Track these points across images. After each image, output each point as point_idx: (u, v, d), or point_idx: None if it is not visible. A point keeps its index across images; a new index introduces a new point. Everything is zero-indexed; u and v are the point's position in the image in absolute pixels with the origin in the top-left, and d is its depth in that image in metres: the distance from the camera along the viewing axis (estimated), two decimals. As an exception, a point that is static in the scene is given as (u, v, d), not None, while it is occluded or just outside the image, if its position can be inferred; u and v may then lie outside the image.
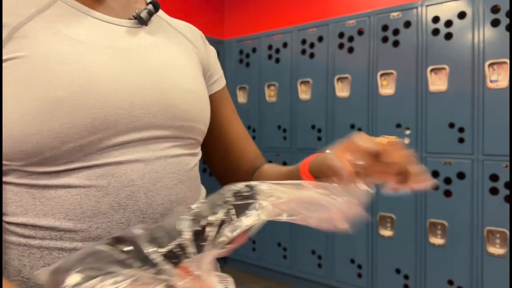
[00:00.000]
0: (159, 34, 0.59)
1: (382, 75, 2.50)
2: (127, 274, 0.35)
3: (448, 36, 2.26)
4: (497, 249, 2.11)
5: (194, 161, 0.59)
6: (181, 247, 0.37)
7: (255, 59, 3.13)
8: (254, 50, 3.13)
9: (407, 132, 2.40)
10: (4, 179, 0.48)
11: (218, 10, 3.71)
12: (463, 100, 2.21)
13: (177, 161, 0.54)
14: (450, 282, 2.25)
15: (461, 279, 2.22)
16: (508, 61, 2.07)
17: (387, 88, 2.49)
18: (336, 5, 3.10)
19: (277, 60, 3.00)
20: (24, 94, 0.44)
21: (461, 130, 2.21)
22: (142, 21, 0.57)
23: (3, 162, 0.46)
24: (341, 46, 2.67)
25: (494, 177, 2.11)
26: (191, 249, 0.37)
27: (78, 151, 0.46)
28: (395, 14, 2.44)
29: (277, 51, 3.00)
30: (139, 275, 0.35)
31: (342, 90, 2.69)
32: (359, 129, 2.59)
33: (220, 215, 0.39)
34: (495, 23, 2.12)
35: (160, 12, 0.64)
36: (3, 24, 0.46)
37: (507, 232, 2.07)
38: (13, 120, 0.44)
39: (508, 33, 2.07)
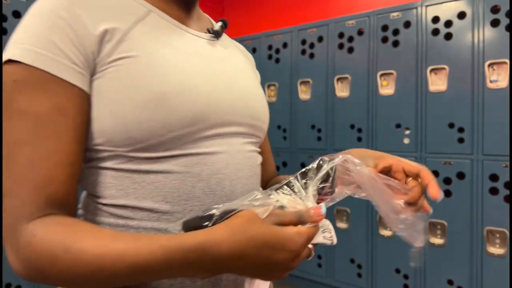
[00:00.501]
0: (229, 47, 0.69)
1: (382, 75, 2.50)
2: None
3: (448, 36, 2.26)
4: (496, 249, 2.12)
5: (260, 158, 0.66)
6: (290, 185, 0.51)
7: (255, 59, 3.10)
8: (254, 50, 3.14)
9: (407, 132, 2.41)
10: (104, 164, 0.53)
11: (218, 10, 3.71)
12: (463, 100, 2.21)
13: (251, 155, 0.62)
14: (450, 282, 2.25)
15: (460, 279, 2.22)
16: (508, 61, 2.07)
17: (387, 88, 2.49)
18: (336, 5, 3.11)
19: (277, 60, 3.01)
20: (136, 88, 0.51)
21: (460, 130, 2.22)
22: (217, 35, 0.65)
23: (107, 148, 0.52)
24: (341, 46, 2.67)
25: (493, 177, 2.12)
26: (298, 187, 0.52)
27: (178, 139, 0.52)
28: (395, 14, 2.45)
29: (277, 51, 3.00)
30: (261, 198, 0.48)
31: (342, 90, 2.69)
32: (359, 129, 2.59)
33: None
34: (495, 23, 2.12)
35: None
36: (114, 28, 0.52)
37: (507, 232, 2.07)
38: (125, 110, 0.50)
39: (507, 33, 2.07)
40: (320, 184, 0.53)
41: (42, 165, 0.47)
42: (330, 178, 0.55)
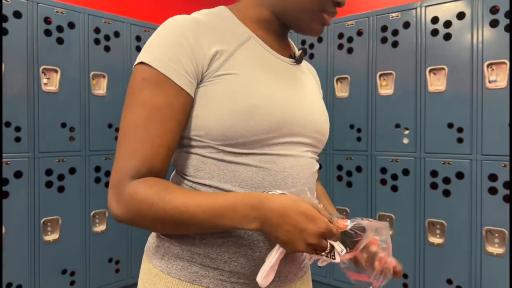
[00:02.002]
0: (304, 72, 0.83)
1: (381, 75, 2.51)
2: None
3: (447, 36, 2.27)
4: (496, 249, 2.12)
5: (317, 166, 0.80)
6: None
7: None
8: (254, 50, 3.14)
9: (406, 132, 2.41)
10: (198, 151, 0.68)
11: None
12: (462, 101, 2.22)
13: (311, 162, 0.75)
14: (449, 282, 2.26)
15: (460, 278, 2.23)
16: (507, 61, 2.08)
17: (386, 88, 2.50)
18: (335, 6, 3.11)
19: (277, 61, 3.01)
20: (234, 99, 0.65)
21: (460, 130, 2.22)
22: (298, 62, 0.80)
23: (204, 140, 0.67)
24: (340, 46, 2.68)
25: (492, 177, 2.12)
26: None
27: (257, 142, 0.66)
28: (394, 14, 2.46)
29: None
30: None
31: (341, 91, 2.70)
32: (359, 129, 2.60)
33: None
34: (494, 23, 2.13)
35: None
36: (223, 50, 0.67)
37: (506, 231, 2.08)
38: (224, 115, 0.64)
39: (507, 34, 2.08)
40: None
41: (148, 143, 0.62)
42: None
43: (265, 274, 0.60)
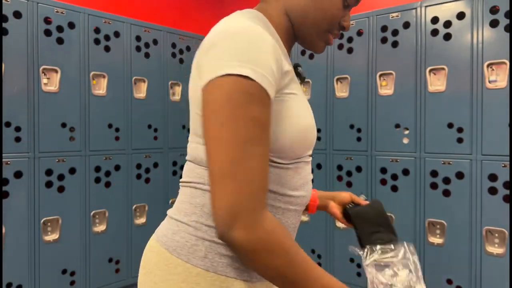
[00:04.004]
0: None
1: (381, 75, 2.51)
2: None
3: (447, 36, 2.27)
4: (495, 249, 2.12)
5: None
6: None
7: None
8: (254, 50, 3.14)
9: (406, 132, 2.41)
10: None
11: (219, 11, 3.71)
12: (462, 101, 2.22)
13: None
14: (449, 281, 2.26)
15: (460, 278, 2.23)
16: (507, 61, 2.08)
17: (386, 88, 2.50)
18: (335, 6, 3.11)
19: (277, 61, 3.01)
20: (299, 117, 0.71)
21: (460, 130, 2.22)
22: (303, 80, 0.85)
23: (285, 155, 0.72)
24: (340, 46, 2.68)
25: (492, 177, 2.12)
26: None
27: (298, 156, 0.74)
28: (394, 15, 2.46)
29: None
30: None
31: (341, 91, 2.70)
32: (359, 129, 2.60)
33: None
34: (494, 23, 2.13)
35: None
36: (290, 70, 0.72)
37: (506, 231, 2.08)
38: (291, 131, 0.70)
39: (507, 34, 2.08)
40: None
41: (267, 162, 0.64)
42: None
43: None
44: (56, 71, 2.37)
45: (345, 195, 1.02)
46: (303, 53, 2.86)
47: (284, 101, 0.69)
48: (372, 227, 0.94)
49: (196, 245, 0.71)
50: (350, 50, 2.64)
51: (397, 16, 2.45)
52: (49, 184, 2.35)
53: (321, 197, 1.04)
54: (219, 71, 0.62)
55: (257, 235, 0.60)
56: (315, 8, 0.76)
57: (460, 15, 2.23)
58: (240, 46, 0.63)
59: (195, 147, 0.74)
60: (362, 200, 1.00)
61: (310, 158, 0.82)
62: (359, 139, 2.60)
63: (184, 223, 0.73)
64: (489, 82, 2.14)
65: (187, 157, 0.78)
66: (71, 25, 2.43)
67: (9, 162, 2.19)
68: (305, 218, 2.85)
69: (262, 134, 0.63)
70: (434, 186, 2.31)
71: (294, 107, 0.70)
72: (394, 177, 2.45)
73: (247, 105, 0.62)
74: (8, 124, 2.20)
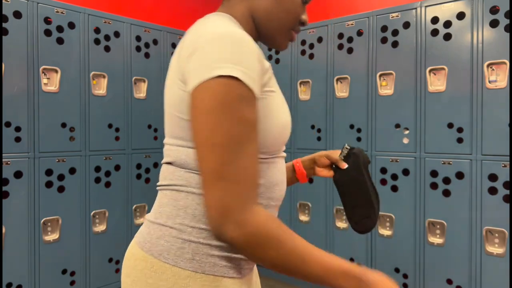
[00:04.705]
0: None
1: (381, 75, 2.51)
2: None
3: (447, 36, 2.27)
4: (495, 249, 2.12)
5: None
6: None
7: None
8: (254, 50, 3.14)
9: (406, 132, 2.41)
10: None
11: (218, 10, 3.72)
12: (462, 101, 2.22)
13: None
14: (449, 281, 2.26)
15: (460, 278, 2.23)
16: (507, 61, 2.08)
17: (386, 88, 2.50)
18: (335, 6, 3.11)
19: (277, 61, 3.02)
20: (279, 114, 0.73)
21: (460, 130, 2.22)
22: None
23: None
24: (340, 46, 2.68)
25: (492, 177, 2.12)
26: None
27: (274, 152, 0.76)
28: (394, 15, 2.46)
29: (277, 51, 3.01)
30: None
31: (341, 91, 2.70)
32: (359, 129, 2.60)
33: None
34: (494, 23, 2.13)
35: None
36: (269, 66, 0.73)
37: (506, 231, 2.08)
38: (271, 129, 0.72)
39: (507, 34, 2.08)
40: None
41: (257, 159, 0.66)
42: None
43: None
44: (56, 71, 2.37)
45: (324, 161, 1.01)
46: (303, 53, 2.86)
47: (265, 99, 0.71)
48: (353, 200, 0.96)
49: (183, 247, 0.70)
50: (350, 50, 2.64)
51: (397, 16, 2.45)
52: (49, 184, 2.35)
53: (306, 167, 1.05)
54: (207, 74, 0.63)
55: (248, 230, 0.62)
56: (278, 9, 0.78)
57: (460, 15, 2.23)
58: (226, 49, 0.64)
59: (175, 149, 0.74)
60: (340, 161, 0.98)
61: (285, 154, 0.83)
62: (359, 139, 2.60)
63: (168, 226, 0.72)
64: (489, 82, 2.14)
65: (165, 160, 0.77)
66: (71, 25, 2.43)
67: (9, 162, 2.19)
68: (305, 218, 2.85)
69: (252, 134, 0.65)
70: (434, 186, 2.31)
71: (273, 104, 0.72)
72: (394, 177, 2.45)
73: (238, 106, 0.63)
74: (8, 124, 2.20)
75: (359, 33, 2.60)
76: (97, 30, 2.56)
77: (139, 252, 0.74)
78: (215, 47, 0.64)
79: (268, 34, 0.82)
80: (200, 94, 0.63)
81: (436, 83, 2.32)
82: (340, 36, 2.68)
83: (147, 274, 0.72)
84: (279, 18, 0.79)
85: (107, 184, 2.61)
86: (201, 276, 0.70)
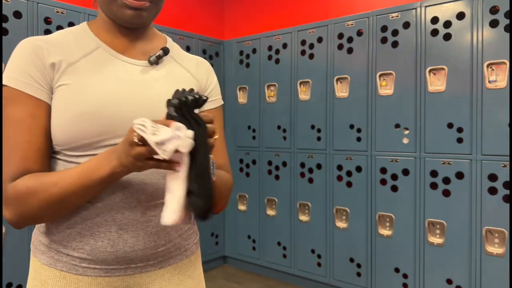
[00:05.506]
0: (164, 71, 0.85)
1: (381, 75, 2.51)
2: None
3: (447, 36, 2.27)
4: (495, 249, 2.13)
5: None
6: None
7: (255, 60, 3.14)
8: (254, 51, 3.15)
9: (406, 132, 2.42)
10: (56, 156, 0.78)
11: (218, 11, 3.71)
12: (461, 101, 2.22)
13: None
14: (449, 281, 2.26)
15: (459, 278, 2.23)
16: (507, 61, 2.08)
17: (386, 88, 2.50)
18: (335, 6, 3.11)
19: (277, 61, 3.02)
20: (68, 108, 0.74)
21: (459, 130, 2.22)
22: (151, 63, 0.83)
23: (55, 145, 0.76)
24: (340, 47, 2.68)
25: (492, 177, 2.13)
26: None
27: (88, 145, 0.75)
28: (394, 15, 2.46)
29: (277, 52, 3.01)
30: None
31: (341, 91, 2.70)
32: (359, 129, 2.60)
33: None
34: (493, 23, 2.13)
35: (175, 53, 0.89)
36: (61, 61, 0.76)
37: (506, 231, 2.08)
38: (59, 123, 0.74)
39: (506, 34, 2.08)
40: None
41: (18, 149, 0.73)
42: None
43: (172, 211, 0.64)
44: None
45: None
46: (302, 53, 2.87)
47: (55, 94, 0.75)
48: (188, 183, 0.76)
49: (36, 239, 0.83)
50: (350, 50, 2.64)
51: (397, 16, 2.45)
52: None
53: None
54: None
55: (12, 205, 0.72)
56: None
57: (460, 15, 2.23)
58: (9, 60, 0.76)
59: None
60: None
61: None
62: (359, 139, 2.60)
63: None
64: (489, 82, 2.14)
65: None
66: (71, 25, 2.43)
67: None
68: (305, 218, 2.85)
69: (17, 128, 0.73)
70: (434, 186, 2.31)
71: (60, 99, 0.75)
72: (394, 177, 2.45)
73: (4, 109, 0.74)
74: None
75: (359, 33, 2.60)
76: (97, 30, 2.56)
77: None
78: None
79: (109, 14, 0.81)
80: None
81: (436, 83, 2.32)
82: (340, 36, 2.68)
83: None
84: None
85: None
86: (36, 261, 0.81)
